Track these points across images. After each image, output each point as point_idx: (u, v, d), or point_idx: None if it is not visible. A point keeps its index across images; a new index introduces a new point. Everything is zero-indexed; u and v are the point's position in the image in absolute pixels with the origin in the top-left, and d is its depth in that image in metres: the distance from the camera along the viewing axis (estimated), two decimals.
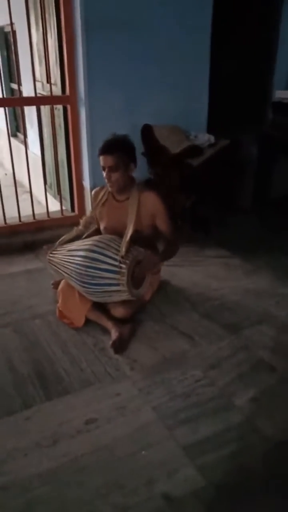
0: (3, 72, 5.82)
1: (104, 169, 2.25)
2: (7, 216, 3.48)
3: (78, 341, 2.26)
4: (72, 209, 3.71)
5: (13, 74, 5.60)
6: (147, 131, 3.21)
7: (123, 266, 2.11)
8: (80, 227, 2.47)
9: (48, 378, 2.00)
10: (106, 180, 2.29)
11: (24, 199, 3.68)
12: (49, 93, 3.34)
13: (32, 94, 3.32)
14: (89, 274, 2.15)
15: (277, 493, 1.51)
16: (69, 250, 2.30)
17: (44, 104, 3.42)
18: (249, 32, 3.90)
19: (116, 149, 2.18)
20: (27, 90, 4.10)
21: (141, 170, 3.27)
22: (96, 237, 2.30)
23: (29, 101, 3.43)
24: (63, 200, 3.70)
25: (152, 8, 3.15)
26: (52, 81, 3.38)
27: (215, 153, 3.19)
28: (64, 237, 2.46)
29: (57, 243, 2.45)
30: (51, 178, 3.95)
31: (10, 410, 1.82)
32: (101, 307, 2.36)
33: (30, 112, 4.20)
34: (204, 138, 3.29)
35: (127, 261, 2.11)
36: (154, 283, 2.57)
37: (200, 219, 3.52)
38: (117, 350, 2.16)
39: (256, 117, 4.07)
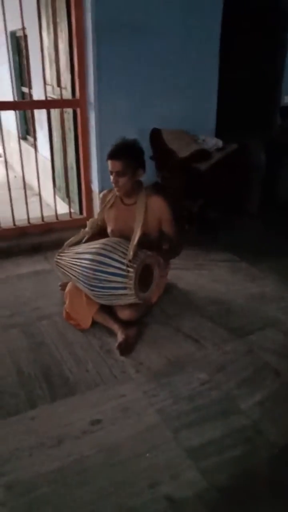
0: (15, 76, 5.91)
1: (111, 173, 2.27)
2: (16, 218, 3.52)
3: (84, 343, 2.28)
4: (81, 212, 3.74)
5: (24, 77, 5.67)
6: (155, 135, 3.24)
7: (131, 269, 2.12)
8: (87, 229, 2.49)
9: (54, 379, 2.02)
10: (113, 184, 2.30)
11: (33, 201, 3.72)
12: (59, 97, 3.37)
13: (43, 98, 3.36)
14: (96, 277, 2.17)
15: (281, 499, 1.51)
16: (76, 253, 2.32)
17: (54, 107, 3.45)
18: (258, 37, 3.91)
19: (124, 154, 2.19)
20: (38, 94, 4.15)
21: (148, 174, 3.29)
22: (103, 240, 2.32)
23: (40, 104, 3.48)
24: (71, 202, 3.73)
25: (162, 13, 3.18)
26: (62, 85, 3.42)
27: (223, 157, 3.20)
28: (72, 239, 2.48)
29: (65, 245, 2.47)
30: (60, 180, 3.99)
31: (16, 410, 1.84)
32: (108, 309, 2.37)
33: (40, 115, 4.25)
34: (212, 142, 3.30)
35: (135, 265, 2.12)
36: (160, 286, 2.58)
37: (207, 223, 3.53)
38: (123, 352, 2.18)
39: (265, 122, 4.07)
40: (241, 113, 3.85)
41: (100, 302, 2.32)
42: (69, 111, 3.46)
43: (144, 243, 2.27)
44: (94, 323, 2.38)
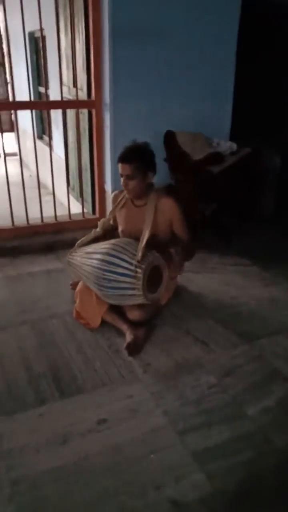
0: (32, 76, 5.97)
1: (122, 176, 2.28)
2: (31, 217, 3.56)
3: (93, 342, 2.29)
4: (93, 212, 3.76)
5: (41, 78, 5.72)
6: (170, 137, 3.24)
7: (139, 270, 2.12)
8: (98, 229, 2.50)
9: (62, 377, 2.03)
10: (123, 187, 2.32)
11: (47, 200, 3.75)
12: (75, 97, 3.40)
13: (59, 98, 3.39)
14: (105, 277, 2.18)
15: (286, 506, 1.50)
16: (87, 253, 2.34)
17: (70, 108, 3.48)
18: (275, 42, 3.89)
19: (133, 158, 2.20)
20: (54, 94, 4.19)
21: (162, 176, 3.30)
22: (113, 241, 2.33)
23: (55, 104, 3.51)
24: (85, 202, 3.75)
25: (179, 17, 3.19)
26: (79, 85, 3.45)
27: (237, 161, 3.19)
28: (83, 239, 2.50)
29: (76, 245, 2.49)
30: (74, 180, 4.02)
31: (24, 407, 1.86)
32: (117, 310, 2.38)
33: (56, 115, 4.29)
34: (226, 145, 3.29)
35: (143, 266, 2.13)
36: (170, 288, 2.58)
37: (221, 227, 3.52)
38: (131, 353, 2.18)
39: (280, 127, 4.04)
40: (256, 119, 3.84)
41: (109, 302, 2.33)
42: (84, 112, 3.49)
43: (154, 244, 2.28)
44: (103, 323, 2.39)
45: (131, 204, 2.44)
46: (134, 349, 2.20)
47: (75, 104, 3.40)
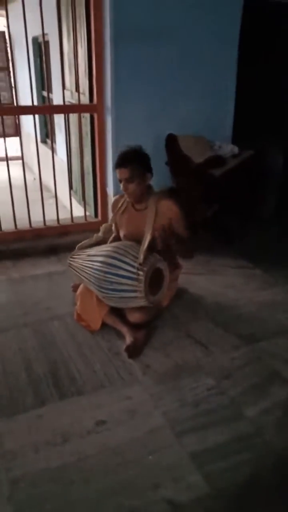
0: (36, 81, 6.03)
1: (121, 182, 2.30)
2: (35, 220, 3.59)
3: (94, 344, 2.31)
4: (96, 215, 3.79)
5: (45, 82, 5.78)
6: (171, 141, 3.26)
7: (141, 273, 2.14)
8: (100, 234, 2.52)
9: (62, 379, 2.05)
10: (123, 192, 2.34)
11: (51, 203, 3.78)
12: (77, 102, 3.43)
13: (62, 102, 3.43)
14: (107, 279, 2.20)
15: (284, 507, 1.50)
16: (88, 255, 2.36)
17: (72, 112, 3.52)
18: (277, 43, 3.91)
19: (130, 161, 2.23)
20: (57, 98, 4.23)
21: (164, 179, 3.32)
22: (115, 243, 2.35)
23: (58, 109, 3.54)
24: (87, 206, 3.78)
25: (179, 20, 3.21)
26: (81, 90, 3.48)
27: (238, 163, 3.20)
28: (84, 243, 2.52)
29: (77, 248, 2.51)
30: (77, 184, 4.05)
31: (24, 407, 1.88)
32: (118, 312, 2.40)
33: (59, 119, 4.33)
34: (227, 148, 3.30)
35: (145, 268, 2.14)
36: (171, 289, 2.59)
37: (222, 228, 3.52)
38: (131, 355, 2.19)
39: (282, 128, 4.05)
40: (259, 120, 3.85)
41: (110, 304, 2.35)
42: (86, 116, 3.52)
43: (155, 247, 2.29)
44: (104, 325, 2.41)
45: (132, 208, 2.46)
46: (133, 351, 2.21)
47: (77, 108, 3.43)
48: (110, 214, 3.19)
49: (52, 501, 1.49)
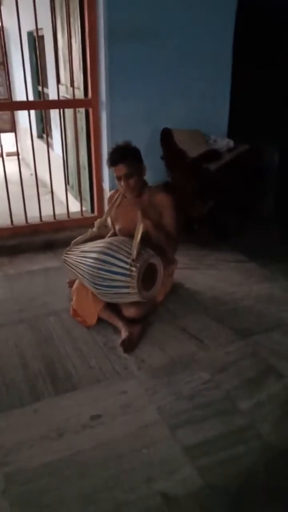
0: (32, 76, 6.00)
1: (119, 179, 2.30)
2: (32, 215, 3.58)
3: (89, 339, 2.31)
4: (92, 210, 3.78)
5: (42, 77, 5.75)
6: (166, 135, 3.25)
7: (134, 269, 2.14)
8: (94, 229, 2.52)
9: (58, 374, 2.06)
10: (125, 189, 2.34)
11: (48, 199, 3.78)
12: (72, 97, 3.42)
13: (57, 97, 3.41)
14: (100, 276, 2.20)
15: (276, 500, 1.51)
16: (82, 251, 2.36)
17: (67, 107, 3.50)
18: (274, 38, 3.88)
19: (125, 156, 2.25)
20: (53, 93, 4.21)
21: (160, 174, 3.32)
22: (108, 239, 2.35)
23: (53, 104, 3.53)
24: (83, 201, 3.77)
25: (174, 15, 3.19)
26: (75, 85, 3.46)
27: (234, 157, 3.20)
28: (79, 238, 2.52)
29: (72, 243, 2.51)
30: (73, 179, 4.04)
31: (19, 403, 1.89)
32: (113, 307, 2.41)
33: (55, 114, 4.31)
34: (223, 142, 3.29)
35: (138, 265, 2.15)
36: (167, 285, 2.60)
37: (219, 225, 3.52)
38: (126, 350, 2.20)
39: (279, 124, 4.03)
40: (255, 115, 3.83)
41: (105, 300, 2.35)
42: (81, 111, 3.50)
43: (149, 241, 2.29)
44: (99, 320, 2.42)
45: (126, 202, 2.46)
46: (129, 346, 2.22)
47: (72, 103, 3.41)
48: (107, 208, 3.20)
49: (47, 496, 1.50)
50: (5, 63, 3.49)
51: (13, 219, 3.52)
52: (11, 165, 3.84)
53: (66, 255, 2.47)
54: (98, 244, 2.33)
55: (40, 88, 5.80)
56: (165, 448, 1.67)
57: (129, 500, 1.48)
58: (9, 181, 3.47)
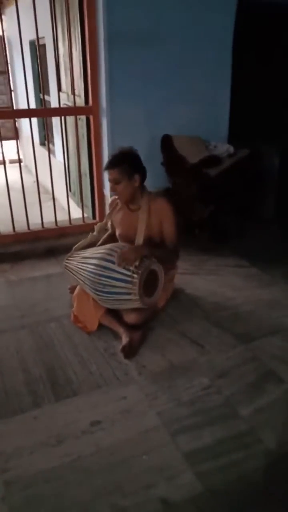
0: (34, 84, 6.06)
1: (110, 182, 2.33)
2: (34, 222, 3.61)
3: (90, 345, 2.32)
4: (94, 216, 3.80)
5: (44, 85, 5.81)
6: (166, 141, 3.27)
7: (135, 276, 2.15)
8: (95, 233, 2.54)
9: (58, 380, 2.06)
10: (111, 192, 2.36)
11: (50, 206, 3.80)
12: (73, 104, 3.45)
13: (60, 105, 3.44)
14: (101, 282, 2.21)
15: (278, 506, 1.50)
16: (83, 257, 2.37)
17: (68, 114, 3.53)
18: (273, 43, 3.91)
19: (118, 162, 2.25)
20: (55, 101, 4.25)
21: (160, 180, 3.34)
22: (109, 246, 2.36)
23: (54, 112, 3.56)
24: (85, 207, 3.79)
25: (173, 21, 3.22)
26: (76, 92, 3.50)
27: (234, 163, 3.21)
28: (80, 244, 2.54)
29: (73, 249, 2.53)
30: (75, 186, 4.06)
31: (19, 409, 1.90)
32: (114, 313, 2.41)
33: (57, 121, 4.35)
34: (223, 148, 3.31)
35: (139, 271, 2.15)
36: (168, 290, 2.60)
37: (220, 229, 3.52)
38: (126, 355, 2.21)
39: (279, 128, 4.05)
40: (255, 120, 3.85)
41: (106, 306, 2.36)
42: (82, 118, 3.53)
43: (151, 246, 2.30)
44: (100, 326, 2.42)
45: (126, 208, 2.48)
46: (129, 351, 2.22)
47: (73, 110, 3.44)
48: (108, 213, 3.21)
49: (46, 502, 1.50)
50: (8, 71, 3.53)
51: (15, 225, 3.55)
52: (15, 172, 3.87)
53: (67, 261, 2.48)
54: (99, 250, 2.34)
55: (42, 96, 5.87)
56: (165, 454, 1.67)
57: (128, 506, 1.48)
58: (12, 188, 3.50)
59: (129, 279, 2.16)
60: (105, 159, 3.46)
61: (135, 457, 1.65)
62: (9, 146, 6.55)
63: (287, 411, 1.88)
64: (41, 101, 5.92)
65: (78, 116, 3.50)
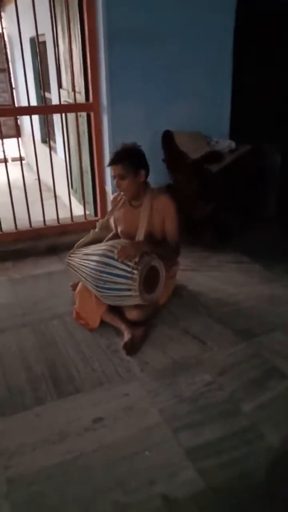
0: (35, 81, 6.05)
1: (115, 178, 2.31)
2: (37, 219, 3.61)
3: (92, 342, 2.32)
4: (95, 214, 3.80)
5: (44, 82, 5.80)
6: (167, 137, 3.26)
7: (135, 272, 2.15)
8: (96, 229, 2.54)
9: (61, 377, 2.07)
10: (116, 188, 2.35)
11: (52, 203, 3.80)
12: (74, 101, 3.44)
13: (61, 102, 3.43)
14: (102, 278, 2.21)
15: (277, 503, 1.50)
16: (85, 254, 2.37)
17: (69, 111, 3.52)
18: (274, 38, 3.87)
19: (123, 157, 2.24)
20: (56, 98, 4.24)
21: (162, 176, 3.32)
22: (110, 242, 2.36)
23: (54, 109, 3.55)
24: (86, 204, 3.79)
25: (173, 18, 3.20)
26: (77, 89, 3.49)
27: (235, 159, 3.19)
28: (82, 240, 2.54)
29: (75, 246, 2.53)
30: (77, 183, 4.06)
31: (22, 407, 1.90)
32: (116, 310, 2.41)
33: (58, 119, 4.34)
34: (225, 144, 3.29)
35: (139, 267, 2.15)
36: (169, 287, 2.60)
37: (222, 226, 3.51)
38: (129, 352, 2.21)
39: (282, 124, 4.02)
40: (257, 117, 3.82)
41: (107, 303, 2.36)
42: (83, 115, 3.52)
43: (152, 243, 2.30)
44: (102, 323, 2.42)
45: (128, 204, 2.47)
46: (131, 348, 2.22)
47: (73, 107, 3.43)
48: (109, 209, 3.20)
49: (48, 499, 1.51)
50: (8, 69, 3.52)
51: (17, 223, 3.55)
52: (17, 170, 3.87)
53: (69, 257, 2.48)
54: (101, 247, 2.34)
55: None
56: (167, 451, 1.67)
57: (130, 503, 1.48)
58: (14, 186, 3.50)
59: (129, 275, 2.16)
60: (106, 156, 3.46)
61: (137, 454, 1.66)
62: (11, 144, 6.54)
63: None
64: (42, 99, 5.93)
65: (78, 113, 3.49)
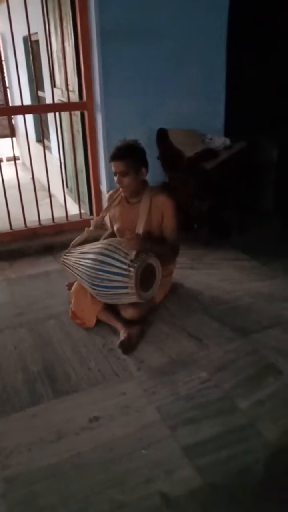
0: (29, 80, 6.02)
1: (115, 175, 2.30)
2: (32, 219, 3.59)
3: (88, 341, 2.32)
4: (91, 212, 3.79)
5: (39, 81, 5.77)
6: (162, 135, 3.25)
7: (132, 269, 2.14)
8: (91, 228, 2.53)
9: (57, 377, 2.06)
10: (118, 185, 2.34)
11: (47, 203, 3.79)
12: (68, 100, 3.43)
13: (55, 101, 3.41)
14: (98, 276, 2.20)
15: (275, 499, 1.50)
16: (80, 253, 2.37)
17: (62, 110, 3.51)
18: (269, 32, 3.86)
19: (125, 154, 2.23)
20: (50, 97, 4.22)
21: (156, 174, 3.31)
22: (106, 240, 2.35)
23: (48, 108, 3.53)
24: (82, 203, 3.78)
25: (167, 14, 3.18)
26: (70, 88, 3.47)
27: (230, 155, 3.19)
28: (77, 239, 2.53)
29: (71, 245, 2.52)
30: (72, 182, 4.05)
31: (19, 406, 1.90)
32: (112, 308, 2.41)
33: (52, 118, 4.32)
34: (219, 141, 3.29)
35: (136, 265, 2.15)
36: (166, 285, 2.59)
37: (219, 223, 3.50)
38: (125, 351, 2.20)
39: (277, 119, 4.01)
40: (252, 112, 3.81)
41: (103, 301, 2.35)
42: (77, 114, 3.51)
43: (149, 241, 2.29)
44: (98, 322, 2.42)
45: (125, 202, 2.47)
46: (128, 347, 2.22)
47: (67, 106, 3.42)
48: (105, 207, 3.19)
49: (45, 498, 1.50)
50: (2, 68, 3.50)
51: (13, 223, 3.53)
52: (12, 169, 3.85)
53: (65, 257, 2.47)
54: (96, 245, 2.34)
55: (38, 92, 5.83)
56: (164, 448, 1.67)
57: (128, 501, 1.48)
58: (9, 186, 3.48)
59: (125, 272, 2.16)
60: (101, 154, 3.45)
61: (135, 452, 1.65)
62: (6, 145, 6.53)
63: (287, 404, 1.88)
64: (35, 98, 5.91)
65: (72, 112, 3.48)
